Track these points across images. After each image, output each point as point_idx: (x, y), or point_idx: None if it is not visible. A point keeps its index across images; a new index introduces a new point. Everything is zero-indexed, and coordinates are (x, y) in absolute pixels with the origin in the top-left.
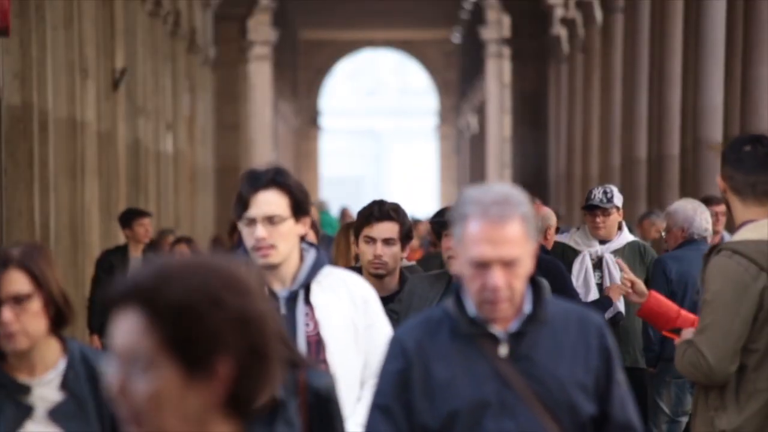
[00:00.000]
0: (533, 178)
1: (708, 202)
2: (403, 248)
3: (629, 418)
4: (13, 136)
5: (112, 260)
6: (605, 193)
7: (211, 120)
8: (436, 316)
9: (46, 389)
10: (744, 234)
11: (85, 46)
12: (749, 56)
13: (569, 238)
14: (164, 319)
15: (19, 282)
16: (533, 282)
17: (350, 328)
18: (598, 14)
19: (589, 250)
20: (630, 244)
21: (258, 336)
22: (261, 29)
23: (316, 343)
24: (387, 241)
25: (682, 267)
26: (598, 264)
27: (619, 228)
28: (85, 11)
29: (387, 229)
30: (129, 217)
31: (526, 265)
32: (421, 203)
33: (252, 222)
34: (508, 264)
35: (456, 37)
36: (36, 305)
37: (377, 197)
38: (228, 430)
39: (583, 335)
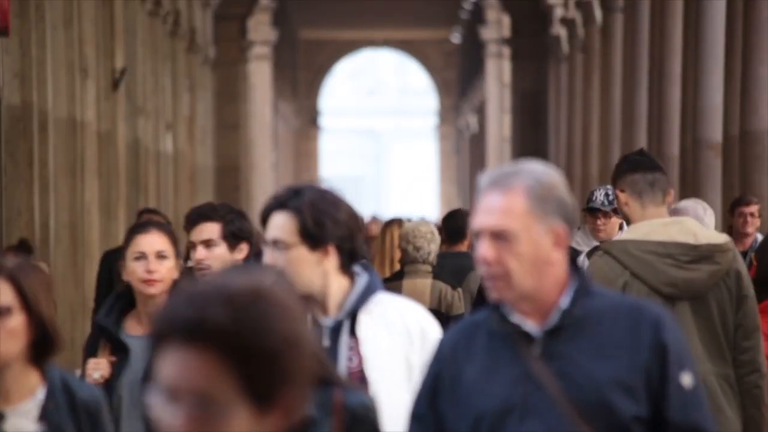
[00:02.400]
0: None
1: (740, 202)
2: (233, 248)
3: (694, 421)
4: (12, 135)
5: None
6: (607, 195)
7: (211, 120)
8: (479, 319)
9: (22, 420)
10: (623, 234)
11: (84, 46)
12: (749, 56)
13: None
14: (240, 358)
15: (2, 293)
16: (579, 275)
17: (402, 366)
18: (598, 14)
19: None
20: None
21: (309, 363)
22: (261, 29)
23: (359, 381)
24: (207, 243)
25: None
26: None
27: (620, 228)
28: (85, 11)
29: (206, 230)
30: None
31: (530, 244)
32: (421, 203)
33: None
34: (497, 236)
35: (456, 37)
36: (15, 322)
37: (377, 197)
38: None
39: (634, 329)
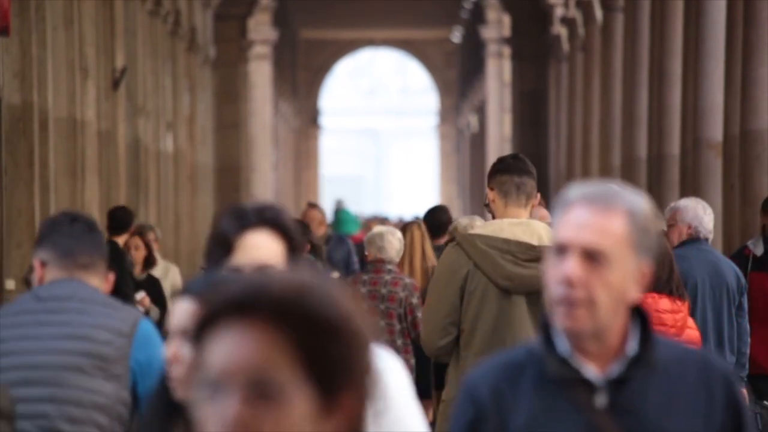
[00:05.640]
0: None
1: None
2: None
3: None
4: (13, 135)
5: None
6: None
7: (211, 119)
8: (519, 358)
9: None
10: (476, 229)
11: (85, 46)
12: (749, 56)
13: None
14: (303, 335)
15: None
16: (641, 318)
17: None
18: (599, 13)
19: None
20: None
21: (374, 367)
22: (261, 29)
23: None
24: None
25: (682, 265)
26: None
27: None
28: (85, 11)
29: None
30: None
31: (621, 274)
32: (420, 203)
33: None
34: (591, 256)
35: (456, 37)
36: None
37: (377, 197)
38: None
39: (705, 384)
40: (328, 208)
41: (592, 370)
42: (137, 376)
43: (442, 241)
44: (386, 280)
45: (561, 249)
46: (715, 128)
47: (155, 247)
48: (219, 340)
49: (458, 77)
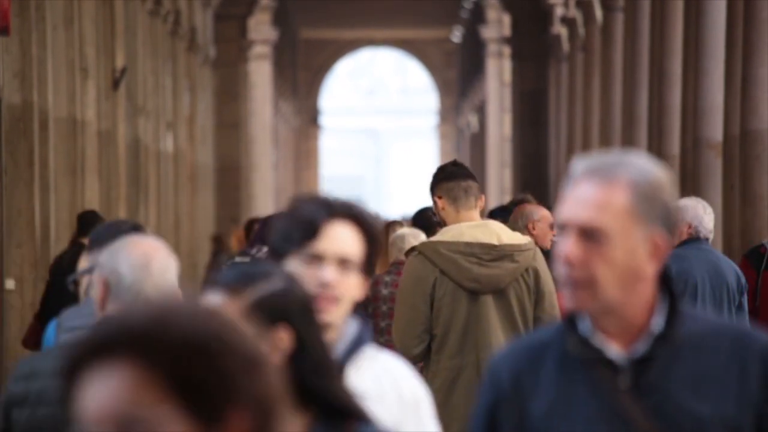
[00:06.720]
0: (533, 177)
1: None
2: None
3: None
4: (13, 135)
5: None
6: None
7: (211, 119)
8: (544, 339)
9: None
10: (436, 236)
11: (85, 46)
12: (749, 56)
13: None
14: (167, 364)
15: None
16: (669, 292)
17: None
18: (599, 13)
19: None
20: None
21: (269, 384)
22: (261, 28)
23: None
24: None
25: (682, 265)
26: None
27: None
28: (86, 10)
29: None
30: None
31: (624, 250)
32: (420, 202)
33: (317, 259)
34: (587, 234)
35: (456, 36)
36: None
37: (377, 196)
38: None
39: (739, 359)
40: None
41: (615, 350)
42: None
43: None
44: None
45: (561, 228)
46: (715, 128)
47: None
48: (85, 387)
49: (458, 77)
